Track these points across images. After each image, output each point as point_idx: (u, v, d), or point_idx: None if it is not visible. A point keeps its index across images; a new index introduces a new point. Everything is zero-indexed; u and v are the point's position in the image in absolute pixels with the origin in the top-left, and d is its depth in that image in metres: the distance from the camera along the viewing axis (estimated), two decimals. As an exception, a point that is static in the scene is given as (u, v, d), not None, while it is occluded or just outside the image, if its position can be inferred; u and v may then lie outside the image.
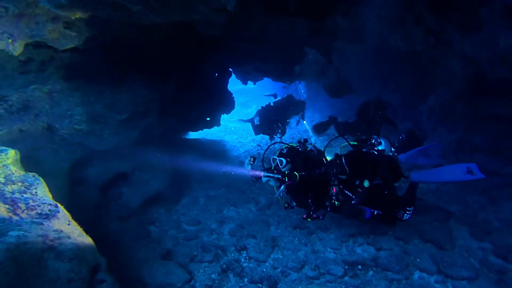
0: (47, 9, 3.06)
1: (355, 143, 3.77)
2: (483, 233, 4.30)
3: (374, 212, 3.60)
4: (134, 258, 4.09)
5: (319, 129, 7.37)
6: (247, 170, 3.93)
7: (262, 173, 3.83)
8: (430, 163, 4.49)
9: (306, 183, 3.76)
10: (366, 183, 3.28)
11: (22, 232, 2.29)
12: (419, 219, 4.73)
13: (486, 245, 4.12)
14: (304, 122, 7.87)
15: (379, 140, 3.68)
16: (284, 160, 3.86)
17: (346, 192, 3.54)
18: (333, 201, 3.67)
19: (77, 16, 2.95)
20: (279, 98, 7.47)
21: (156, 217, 5.29)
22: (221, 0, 2.60)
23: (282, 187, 3.75)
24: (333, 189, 3.64)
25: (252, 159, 3.94)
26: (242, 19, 4.94)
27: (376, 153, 3.58)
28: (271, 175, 3.80)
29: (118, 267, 3.50)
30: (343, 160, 3.42)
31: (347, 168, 3.39)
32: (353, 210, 3.52)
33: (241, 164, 7.48)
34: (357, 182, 3.47)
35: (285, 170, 3.87)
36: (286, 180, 3.67)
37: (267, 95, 8.06)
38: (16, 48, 3.24)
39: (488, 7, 4.38)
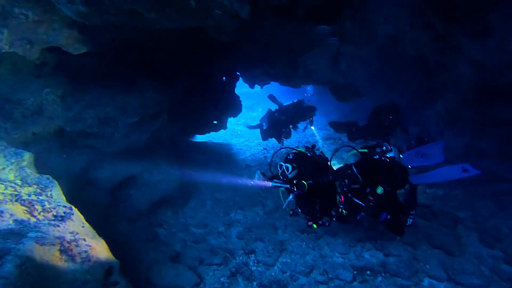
0: (64, 15, 3.13)
1: (365, 150, 3.77)
2: (493, 240, 4.28)
3: (388, 216, 3.60)
4: (143, 260, 4.13)
5: (334, 126, 7.42)
6: (254, 181, 3.95)
7: (270, 183, 3.85)
8: (427, 164, 4.53)
9: (314, 191, 3.76)
10: (379, 190, 3.27)
11: (40, 234, 2.34)
12: (427, 224, 4.72)
13: (496, 252, 4.10)
14: (312, 128, 7.87)
15: (389, 147, 3.68)
16: (290, 167, 3.86)
17: (355, 200, 3.52)
18: (340, 210, 3.66)
19: (93, 22, 3.02)
20: (289, 103, 7.49)
21: (164, 219, 5.34)
22: (235, 7, 2.66)
23: (291, 196, 3.74)
24: (340, 197, 3.63)
25: (262, 176, 3.95)
26: (252, 24, 4.98)
27: (388, 160, 3.58)
28: (279, 184, 3.80)
29: (128, 269, 3.54)
30: (355, 169, 3.41)
31: (359, 177, 3.38)
32: (371, 212, 3.49)
33: (248, 167, 7.52)
34: (368, 190, 3.46)
35: (292, 176, 3.87)
36: (295, 189, 3.67)
37: (273, 100, 8.12)
38: (34, 54, 3.32)
39: (497, 12, 4.39)
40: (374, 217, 3.64)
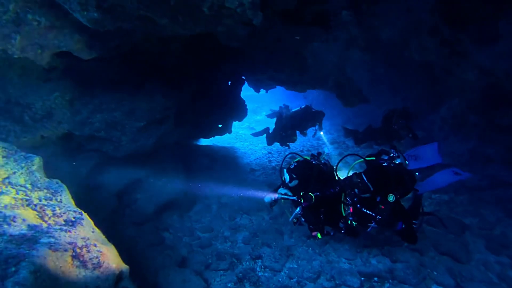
0: (75, 21, 3.16)
1: (373, 158, 3.72)
2: (500, 247, 4.26)
3: (403, 225, 3.56)
4: (150, 265, 4.13)
5: (344, 130, 7.43)
6: (261, 193, 3.93)
7: (276, 195, 3.81)
8: (424, 166, 4.55)
9: (320, 202, 3.70)
10: (391, 198, 3.21)
11: (53, 240, 2.34)
12: (433, 230, 4.71)
13: (503, 259, 4.08)
14: (321, 133, 7.86)
15: (396, 154, 3.66)
16: (288, 177, 3.82)
17: (365, 210, 3.46)
18: (349, 221, 3.61)
19: (106, 29, 3.04)
20: (297, 108, 7.49)
21: (169, 223, 5.34)
22: (248, 15, 2.67)
23: (298, 208, 3.70)
24: (349, 209, 3.58)
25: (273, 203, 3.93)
26: (260, 30, 5.01)
27: (396, 166, 3.54)
28: (285, 197, 3.76)
29: (135, 274, 3.53)
30: (365, 178, 3.36)
31: (370, 186, 3.33)
32: (386, 222, 3.44)
33: (253, 171, 7.51)
34: (378, 199, 3.42)
35: (292, 185, 3.83)
36: (302, 201, 3.63)
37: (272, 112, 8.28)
38: (44, 59, 3.35)
39: (505, 19, 4.41)
40: (389, 227, 3.60)
